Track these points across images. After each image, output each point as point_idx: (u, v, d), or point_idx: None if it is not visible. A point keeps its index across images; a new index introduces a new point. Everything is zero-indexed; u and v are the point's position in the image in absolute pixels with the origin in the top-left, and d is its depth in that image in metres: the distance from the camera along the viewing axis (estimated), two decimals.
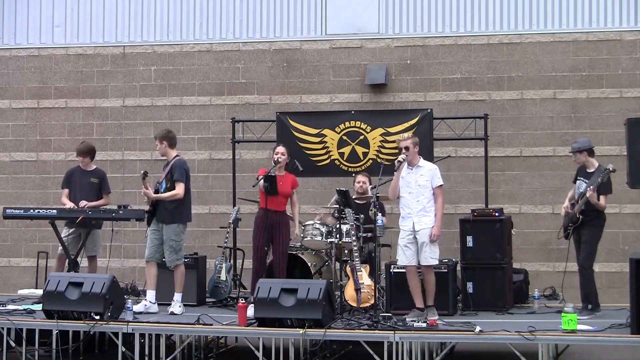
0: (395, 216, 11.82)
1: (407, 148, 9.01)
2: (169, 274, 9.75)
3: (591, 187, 9.11)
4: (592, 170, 9.35)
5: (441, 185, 9.07)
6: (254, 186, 9.68)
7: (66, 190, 10.63)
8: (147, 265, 9.75)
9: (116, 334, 8.87)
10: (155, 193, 9.62)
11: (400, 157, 9.00)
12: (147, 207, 9.73)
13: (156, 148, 9.90)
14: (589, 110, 12.90)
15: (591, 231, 9.33)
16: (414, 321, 8.64)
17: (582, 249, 9.36)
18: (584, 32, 12.98)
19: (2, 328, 9.12)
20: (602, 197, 9.23)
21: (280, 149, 9.85)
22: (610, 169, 9.13)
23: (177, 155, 9.80)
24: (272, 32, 13.77)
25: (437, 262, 9.12)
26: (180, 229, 9.66)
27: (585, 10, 13.01)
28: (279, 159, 9.68)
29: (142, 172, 9.61)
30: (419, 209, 8.99)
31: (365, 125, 11.24)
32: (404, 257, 9.02)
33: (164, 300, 9.68)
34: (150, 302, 9.66)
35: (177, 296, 9.62)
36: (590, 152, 9.47)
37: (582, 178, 9.45)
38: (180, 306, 9.52)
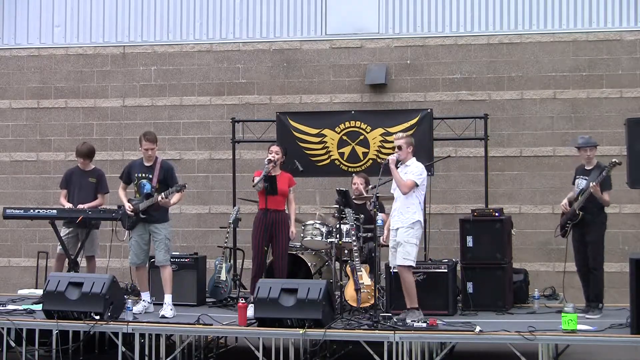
0: None
1: (399, 147, 9.02)
2: None
3: (593, 182, 9.12)
4: (590, 167, 9.41)
5: (414, 182, 8.80)
6: (253, 186, 9.67)
7: (64, 191, 10.62)
8: (141, 270, 9.74)
9: (116, 334, 8.87)
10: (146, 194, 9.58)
11: (391, 157, 8.95)
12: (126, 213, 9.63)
13: (146, 150, 9.60)
14: (589, 110, 12.89)
15: (595, 231, 9.35)
16: (414, 321, 8.63)
17: (590, 250, 9.36)
18: (584, 32, 12.97)
19: (2, 328, 9.12)
20: (605, 194, 9.27)
21: (275, 148, 9.84)
22: (617, 161, 9.13)
23: (156, 156, 9.79)
24: (272, 32, 13.76)
25: (411, 263, 8.81)
26: (171, 226, 9.79)
27: (585, 10, 13.00)
28: (273, 158, 9.63)
29: (182, 185, 9.54)
30: (398, 207, 8.97)
31: (365, 125, 11.23)
32: (392, 259, 9.03)
33: (162, 300, 9.62)
34: (148, 302, 9.69)
35: (168, 298, 9.54)
36: None
37: (581, 176, 9.50)
38: (171, 309, 9.43)
